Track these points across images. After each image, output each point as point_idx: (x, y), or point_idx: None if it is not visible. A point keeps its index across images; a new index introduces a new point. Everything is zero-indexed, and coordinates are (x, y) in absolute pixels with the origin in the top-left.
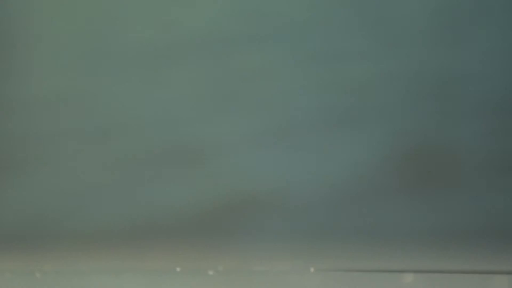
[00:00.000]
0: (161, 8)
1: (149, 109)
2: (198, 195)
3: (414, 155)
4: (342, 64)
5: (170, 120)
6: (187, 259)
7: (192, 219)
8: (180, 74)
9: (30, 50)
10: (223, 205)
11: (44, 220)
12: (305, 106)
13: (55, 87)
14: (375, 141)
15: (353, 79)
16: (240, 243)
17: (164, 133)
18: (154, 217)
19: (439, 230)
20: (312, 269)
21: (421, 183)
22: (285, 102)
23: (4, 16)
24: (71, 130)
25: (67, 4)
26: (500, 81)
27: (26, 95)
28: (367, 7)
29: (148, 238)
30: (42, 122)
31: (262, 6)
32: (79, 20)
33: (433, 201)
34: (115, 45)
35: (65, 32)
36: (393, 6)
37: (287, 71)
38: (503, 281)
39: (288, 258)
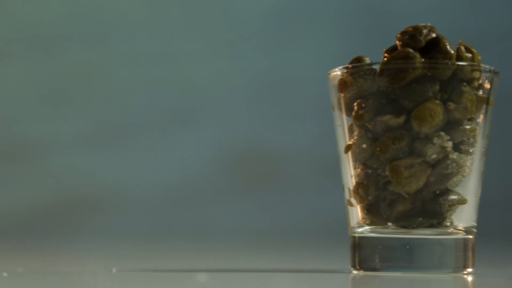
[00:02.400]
0: None
1: None
2: (18, 195)
3: (246, 156)
4: (177, 64)
5: None
6: None
7: (8, 219)
8: (8, 71)
9: None
10: (44, 205)
11: None
12: (139, 105)
13: None
14: (207, 142)
15: (187, 80)
16: (53, 243)
17: None
18: None
19: (267, 230)
20: (114, 270)
21: (252, 184)
22: (118, 101)
23: None
24: None
25: None
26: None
27: None
28: (205, 7)
29: None
30: None
31: (97, 3)
32: None
33: (263, 201)
34: None
35: None
36: (229, 8)
37: (122, 70)
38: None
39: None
